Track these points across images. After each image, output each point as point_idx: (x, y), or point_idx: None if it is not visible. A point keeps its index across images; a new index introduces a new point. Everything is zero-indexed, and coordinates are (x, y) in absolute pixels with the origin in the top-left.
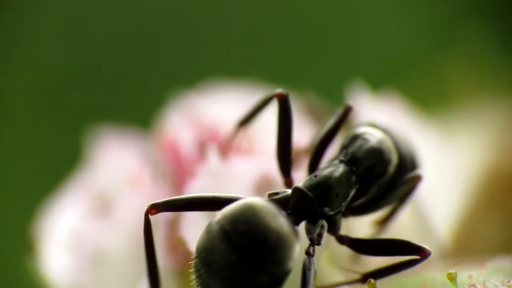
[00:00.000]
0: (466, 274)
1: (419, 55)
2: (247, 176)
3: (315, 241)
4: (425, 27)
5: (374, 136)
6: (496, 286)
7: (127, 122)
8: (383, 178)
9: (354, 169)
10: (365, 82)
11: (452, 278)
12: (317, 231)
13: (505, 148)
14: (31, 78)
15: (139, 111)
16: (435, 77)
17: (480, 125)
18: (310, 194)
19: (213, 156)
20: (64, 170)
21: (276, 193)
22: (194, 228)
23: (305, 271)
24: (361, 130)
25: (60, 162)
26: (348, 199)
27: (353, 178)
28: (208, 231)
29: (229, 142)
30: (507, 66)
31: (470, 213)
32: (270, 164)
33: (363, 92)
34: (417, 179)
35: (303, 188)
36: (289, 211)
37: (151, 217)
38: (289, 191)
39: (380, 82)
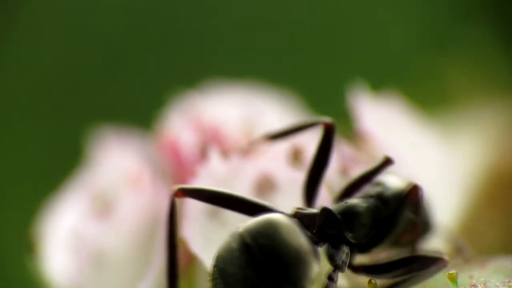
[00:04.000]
0: (467, 274)
1: (419, 55)
2: (248, 176)
3: (338, 267)
4: (425, 27)
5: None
6: (497, 286)
7: (127, 123)
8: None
9: (383, 207)
10: (365, 82)
11: (453, 278)
12: (341, 257)
13: (505, 148)
14: (31, 78)
15: (139, 112)
16: (435, 77)
17: (480, 125)
18: (338, 216)
19: (214, 157)
20: (64, 170)
21: (303, 209)
22: (195, 228)
23: None
24: (394, 177)
25: (60, 162)
26: (370, 235)
27: (379, 216)
28: (229, 241)
29: (249, 148)
30: (507, 66)
31: (471, 213)
32: (271, 165)
33: (363, 92)
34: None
35: (332, 209)
36: (314, 231)
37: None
38: (316, 210)
39: (380, 82)
